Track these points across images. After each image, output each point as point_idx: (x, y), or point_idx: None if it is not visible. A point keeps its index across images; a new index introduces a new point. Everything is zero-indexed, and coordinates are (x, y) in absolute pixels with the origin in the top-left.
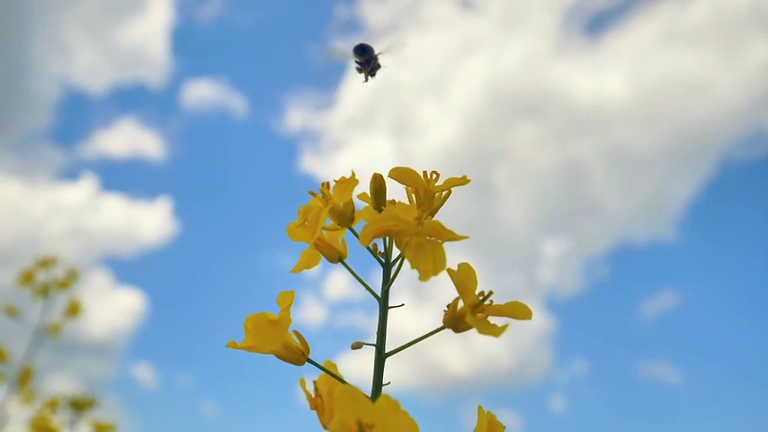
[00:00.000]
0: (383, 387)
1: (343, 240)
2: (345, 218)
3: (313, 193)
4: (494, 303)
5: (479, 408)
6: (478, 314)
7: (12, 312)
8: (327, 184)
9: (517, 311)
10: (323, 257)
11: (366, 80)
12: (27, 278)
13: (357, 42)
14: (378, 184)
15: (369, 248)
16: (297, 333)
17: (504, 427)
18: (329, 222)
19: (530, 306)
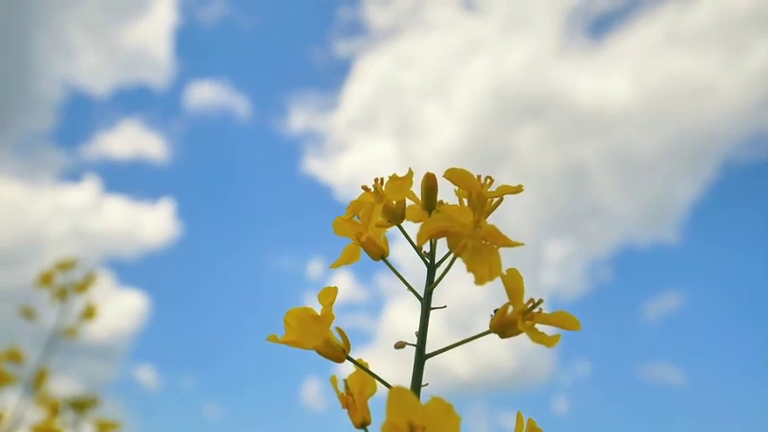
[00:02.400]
0: (421, 388)
1: (385, 238)
2: (397, 215)
3: (366, 188)
4: (542, 312)
5: (518, 415)
6: (527, 321)
7: (29, 314)
8: (381, 179)
9: (565, 321)
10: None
11: None
12: (46, 280)
13: None
14: (430, 183)
15: (415, 248)
16: (339, 330)
17: None
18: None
19: (576, 318)
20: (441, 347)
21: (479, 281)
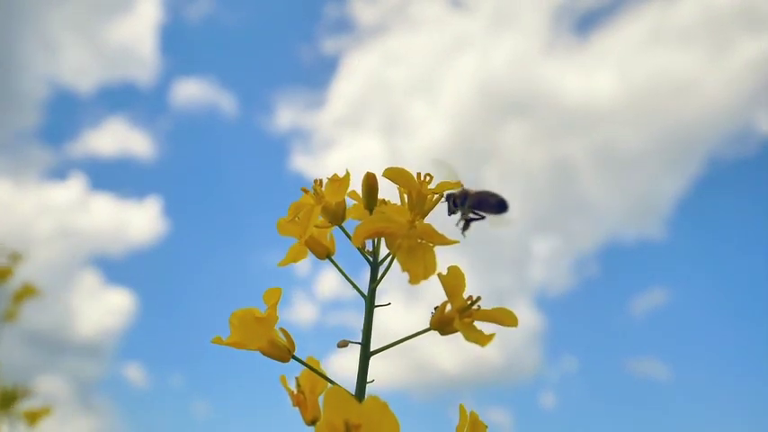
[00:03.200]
0: (367, 385)
1: (331, 237)
2: (337, 216)
3: (305, 191)
4: (481, 308)
5: (461, 407)
6: (465, 318)
7: None
8: (320, 181)
9: (504, 317)
10: (310, 253)
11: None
12: None
13: (500, 196)
14: (370, 183)
15: (357, 247)
16: (283, 330)
17: (486, 426)
18: (319, 219)
19: (516, 313)
20: (385, 344)
21: (413, 280)
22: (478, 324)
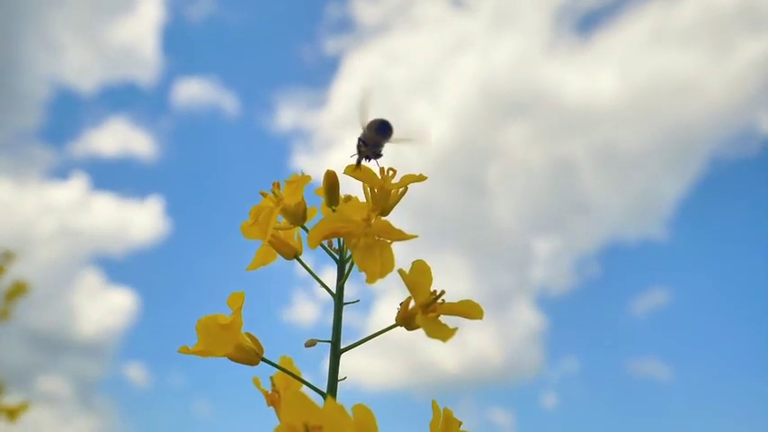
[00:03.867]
0: (338, 382)
1: (298, 237)
2: (297, 217)
3: (264, 194)
4: (446, 302)
5: (434, 403)
6: (430, 313)
7: None
8: (278, 183)
9: (469, 310)
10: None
11: (359, 162)
12: None
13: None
14: (330, 181)
15: (323, 246)
16: (249, 335)
17: (461, 423)
18: (282, 221)
19: (480, 305)
20: (354, 341)
21: (370, 279)
22: (444, 319)
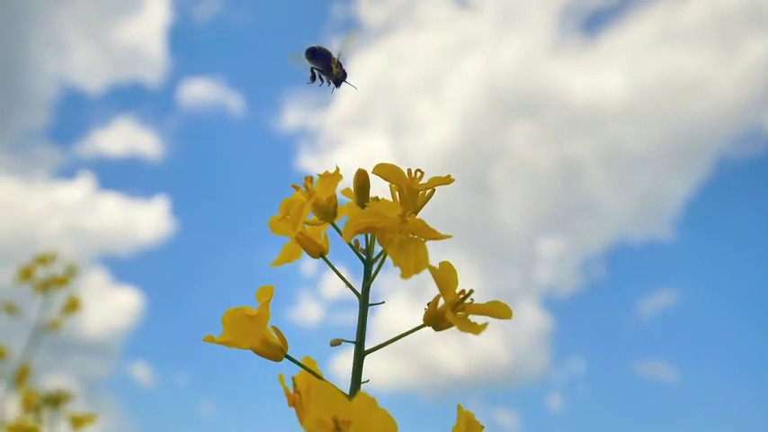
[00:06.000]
0: (362, 384)
1: (325, 236)
2: (328, 213)
3: (296, 187)
4: (474, 302)
5: (459, 407)
6: (459, 312)
7: (11, 310)
8: (311, 178)
9: (498, 310)
10: (304, 252)
11: (331, 90)
12: (26, 275)
13: (309, 46)
14: (361, 179)
15: (350, 245)
16: (275, 329)
17: (483, 426)
18: (311, 217)
19: (509, 306)
20: (379, 343)
21: (405, 274)
22: (472, 318)
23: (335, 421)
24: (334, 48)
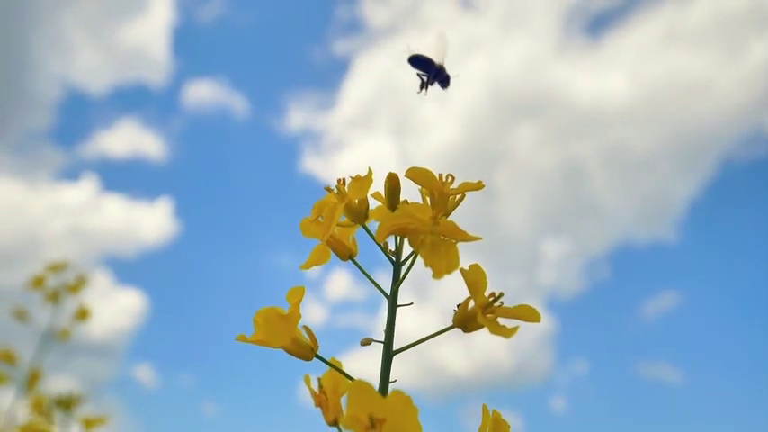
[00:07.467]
0: (389, 385)
1: (353, 238)
2: (360, 215)
3: (329, 189)
4: (503, 305)
5: (484, 407)
6: (488, 315)
7: (21, 316)
8: (343, 180)
9: (526, 314)
10: (333, 255)
11: (445, 89)
12: (37, 282)
13: (411, 54)
14: (393, 183)
15: (380, 246)
16: (306, 328)
17: (509, 425)
18: (343, 219)
19: (538, 309)
20: (408, 343)
21: (437, 275)
22: (500, 320)
23: (371, 419)
24: (431, 52)
